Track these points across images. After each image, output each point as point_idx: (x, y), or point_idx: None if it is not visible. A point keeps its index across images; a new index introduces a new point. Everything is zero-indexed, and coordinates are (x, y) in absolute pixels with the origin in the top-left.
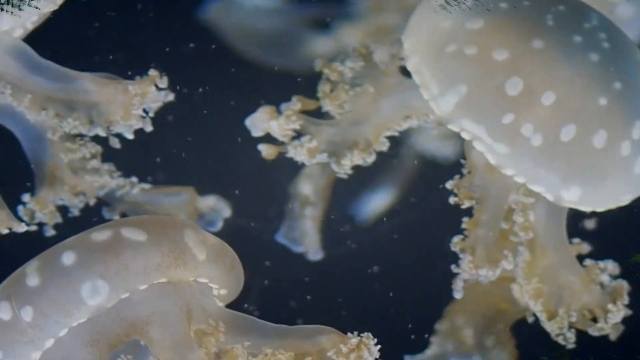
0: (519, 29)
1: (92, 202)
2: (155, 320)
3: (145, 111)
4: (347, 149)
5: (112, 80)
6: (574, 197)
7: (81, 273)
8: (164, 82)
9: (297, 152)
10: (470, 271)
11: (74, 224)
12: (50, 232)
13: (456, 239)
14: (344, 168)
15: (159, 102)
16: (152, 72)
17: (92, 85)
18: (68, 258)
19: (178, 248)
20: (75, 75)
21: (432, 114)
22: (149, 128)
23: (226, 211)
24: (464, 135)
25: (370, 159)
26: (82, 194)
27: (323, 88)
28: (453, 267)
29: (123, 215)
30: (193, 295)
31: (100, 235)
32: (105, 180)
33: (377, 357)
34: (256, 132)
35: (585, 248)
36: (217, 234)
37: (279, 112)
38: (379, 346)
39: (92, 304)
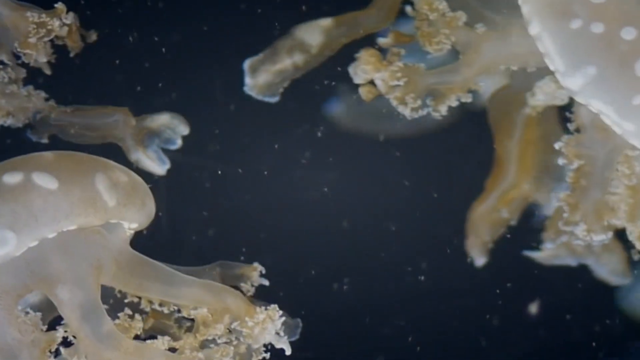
0: None
1: (21, 124)
2: (65, 279)
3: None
4: (446, 91)
5: (24, 7)
6: None
7: None
8: (69, 18)
9: (400, 107)
10: (585, 237)
11: None
12: None
13: (562, 194)
14: (440, 111)
15: (75, 40)
16: (59, 5)
17: (4, 9)
18: None
19: (89, 196)
20: None
21: (535, 62)
22: (42, 59)
23: (184, 128)
24: (591, 109)
25: (467, 99)
26: (11, 116)
27: (422, 27)
28: (561, 225)
29: (52, 137)
30: (104, 245)
31: (11, 178)
32: (22, 104)
33: (279, 327)
34: (357, 80)
35: None
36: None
37: (381, 55)
38: (283, 318)
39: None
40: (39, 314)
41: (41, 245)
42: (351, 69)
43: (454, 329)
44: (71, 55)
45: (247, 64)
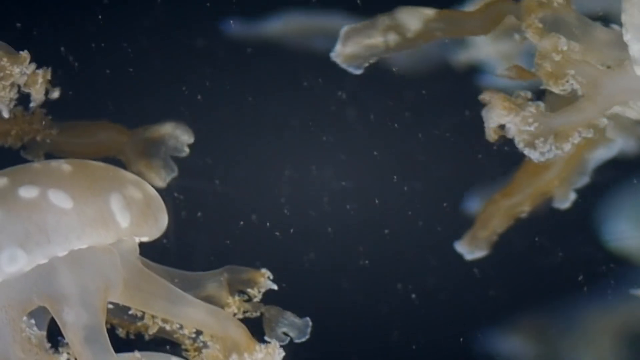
0: None
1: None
2: (71, 300)
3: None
4: (570, 129)
5: None
6: None
7: (1, 239)
8: (30, 68)
9: (527, 150)
10: None
11: None
12: None
13: None
14: (564, 150)
15: (38, 92)
16: (23, 54)
17: None
18: None
19: (102, 217)
20: None
21: None
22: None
23: (188, 137)
24: None
25: (589, 134)
26: (9, 137)
27: (544, 66)
28: None
29: (47, 155)
30: (114, 264)
31: (27, 192)
32: (4, 126)
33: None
34: (490, 124)
35: None
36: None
37: (512, 102)
38: (282, 354)
39: (9, 271)
40: (43, 332)
41: (51, 262)
42: (484, 113)
43: (454, 329)
44: (31, 105)
45: (343, 31)
